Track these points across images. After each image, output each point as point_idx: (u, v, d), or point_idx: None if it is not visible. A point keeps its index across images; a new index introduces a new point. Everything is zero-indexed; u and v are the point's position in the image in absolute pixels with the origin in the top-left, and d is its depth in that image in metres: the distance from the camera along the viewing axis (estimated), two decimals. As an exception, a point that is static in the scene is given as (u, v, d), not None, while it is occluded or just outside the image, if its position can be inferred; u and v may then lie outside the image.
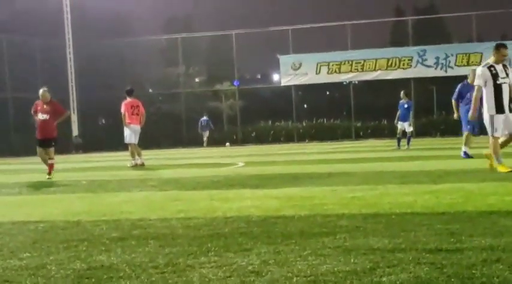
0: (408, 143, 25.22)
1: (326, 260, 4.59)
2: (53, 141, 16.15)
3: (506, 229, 5.53)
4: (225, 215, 7.19)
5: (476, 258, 4.43)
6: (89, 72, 43.32)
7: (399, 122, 25.42)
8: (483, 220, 6.13)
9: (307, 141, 43.21)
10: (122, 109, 19.79)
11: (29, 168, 20.53)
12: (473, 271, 4.07)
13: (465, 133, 16.74)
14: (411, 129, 26.01)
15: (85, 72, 43.65)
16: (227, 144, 43.90)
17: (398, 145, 24.99)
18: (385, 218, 6.47)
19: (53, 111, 16.08)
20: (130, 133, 19.62)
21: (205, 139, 44.47)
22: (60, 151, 20.88)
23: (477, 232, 5.43)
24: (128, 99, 19.88)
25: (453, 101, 17.11)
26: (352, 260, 4.53)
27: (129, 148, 19.82)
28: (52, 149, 16.04)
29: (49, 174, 15.53)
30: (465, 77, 17.85)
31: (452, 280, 3.88)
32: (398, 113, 25.48)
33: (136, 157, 19.41)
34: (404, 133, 25.43)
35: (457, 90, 17.13)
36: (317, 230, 5.87)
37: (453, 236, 5.28)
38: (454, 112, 17.22)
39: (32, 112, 16.21)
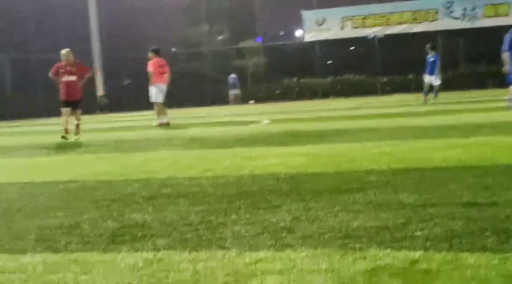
0: (435, 96, 24.99)
1: (357, 215, 4.55)
2: (80, 102, 16.19)
3: (543, 181, 5.46)
4: (252, 173, 7.17)
5: (511, 211, 4.36)
6: (112, 31, 43.30)
7: (426, 75, 25.16)
8: (517, 172, 6.06)
9: (331, 97, 42.99)
10: (150, 68, 19.76)
11: (56, 129, 20.66)
12: (509, 224, 4.01)
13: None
14: (438, 82, 25.74)
15: (108, 31, 43.62)
16: (251, 101, 43.92)
17: (426, 99, 24.77)
18: (415, 173, 6.42)
19: (80, 72, 16.07)
20: (157, 92, 19.63)
21: (232, 97, 44.71)
22: (85, 111, 20.93)
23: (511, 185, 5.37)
24: (155, 58, 19.84)
25: (507, 53, 16.47)
26: (383, 216, 4.49)
27: (155, 107, 19.85)
28: (79, 110, 16.11)
29: (76, 134, 15.61)
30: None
31: (487, 233, 3.82)
32: (426, 67, 25.22)
33: (162, 116, 19.45)
34: (431, 87, 25.19)
35: (507, 40, 16.48)
36: (346, 187, 5.83)
37: (487, 190, 5.21)
38: (504, 65, 16.62)
39: (52, 74, 16.10)
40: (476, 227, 4.00)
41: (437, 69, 25.28)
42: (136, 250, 3.94)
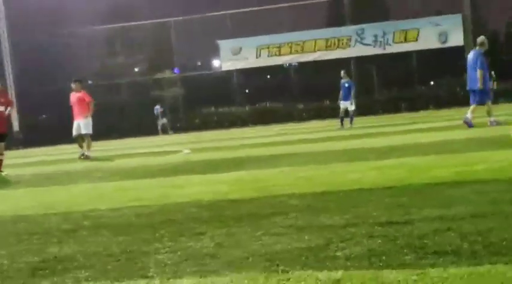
0: (351, 122, 25.50)
1: (280, 239, 4.61)
2: (6, 136, 15.62)
3: (454, 198, 5.65)
4: (176, 202, 7.17)
5: (427, 228, 4.50)
6: (27, 65, 42.59)
7: (341, 102, 25.66)
8: (430, 191, 6.26)
9: (250, 125, 43.32)
10: (88, 98, 19.43)
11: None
12: (425, 241, 4.14)
13: (488, 103, 16.95)
14: (353, 108, 26.27)
15: (23, 65, 42.89)
16: (170, 132, 43.92)
17: (342, 124, 25.24)
18: (334, 196, 6.54)
19: (6, 103, 15.49)
20: (84, 124, 19.38)
21: (159, 127, 44.81)
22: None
23: (425, 203, 5.53)
24: (81, 90, 19.57)
25: (480, 71, 16.72)
26: (306, 238, 4.57)
27: (80, 139, 19.55)
28: (3, 144, 15.50)
29: (-1, 170, 15.14)
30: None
31: (405, 250, 3.94)
32: (340, 93, 25.72)
33: (85, 148, 19.20)
34: (346, 112, 25.69)
35: (479, 59, 16.83)
36: (268, 211, 5.90)
37: (402, 208, 5.37)
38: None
39: None
40: (394, 245, 4.12)
41: (352, 95, 25.81)
42: (57, 284, 3.89)
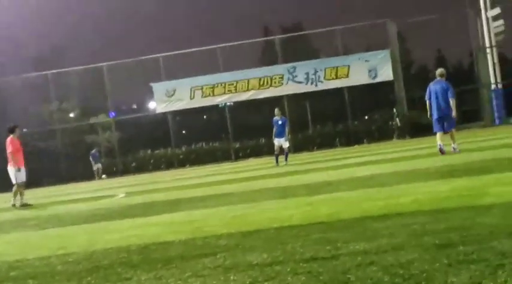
0: (286, 159, 25.68)
1: (206, 280, 4.62)
2: None
3: (378, 232, 5.74)
4: (105, 247, 7.08)
5: (351, 263, 4.57)
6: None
7: (276, 139, 25.85)
8: (357, 225, 6.34)
9: (187, 166, 43.22)
10: (9, 148, 18.98)
11: None
12: (348, 276, 4.20)
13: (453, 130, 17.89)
14: (287, 144, 26.47)
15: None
16: (103, 176, 43.53)
17: (277, 161, 25.40)
18: (263, 234, 6.58)
19: None
20: (21, 173, 19.00)
21: (95, 170, 44.36)
22: None
23: (352, 237, 5.61)
24: (12, 137, 19.15)
25: (427, 101, 17.94)
26: (231, 278, 4.58)
27: (15, 188, 19.16)
28: None
29: None
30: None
31: (328, 286, 3.99)
32: (274, 130, 25.92)
33: (18, 197, 18.82)
34: (281, 149, 25.87)
35: (452, 89, 17.78)
36: (197, 252, 5.90)
37: (329, 244, 5.43)
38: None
39: None
40: (317, 281, 4.17)
41: (286, 132, 26.04)
42: None
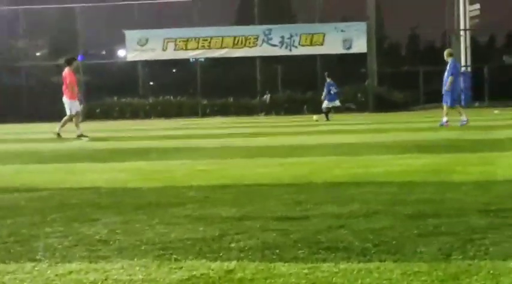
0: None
1: (175, 228, 4.58)
2: None
3: (349, 198, 5.74)
4: (72, 187, 7.01)
5: (322, 225, 4.56)
6: None
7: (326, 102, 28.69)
8: (328, 190, 6.35)
9: (152, 117, 42.91)
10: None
11: None
12: (319, 236, 4.19)
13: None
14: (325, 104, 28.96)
15: None
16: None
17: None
18: (233, 189, 6.55)
19: None
20: (75, 103, 18.99)
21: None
22: None
23: (323, 201, 5.60)
24: None
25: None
26: (201, 229, 4.55)
27: (67, 118, 19.06)
28: None
29: None
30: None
31: (299, 244, 3.98)
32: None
33: (63, 127, 18.74)
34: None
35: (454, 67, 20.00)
36: (166, 201, 5.86)
37: (300, 205, 5.42)
38: None
39: None
40: (287, 239, 4.15)
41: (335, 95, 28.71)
42: None
